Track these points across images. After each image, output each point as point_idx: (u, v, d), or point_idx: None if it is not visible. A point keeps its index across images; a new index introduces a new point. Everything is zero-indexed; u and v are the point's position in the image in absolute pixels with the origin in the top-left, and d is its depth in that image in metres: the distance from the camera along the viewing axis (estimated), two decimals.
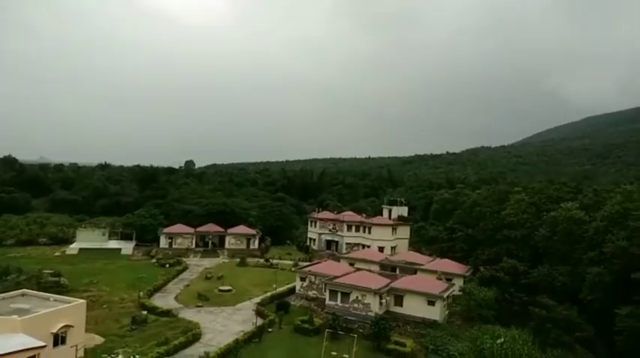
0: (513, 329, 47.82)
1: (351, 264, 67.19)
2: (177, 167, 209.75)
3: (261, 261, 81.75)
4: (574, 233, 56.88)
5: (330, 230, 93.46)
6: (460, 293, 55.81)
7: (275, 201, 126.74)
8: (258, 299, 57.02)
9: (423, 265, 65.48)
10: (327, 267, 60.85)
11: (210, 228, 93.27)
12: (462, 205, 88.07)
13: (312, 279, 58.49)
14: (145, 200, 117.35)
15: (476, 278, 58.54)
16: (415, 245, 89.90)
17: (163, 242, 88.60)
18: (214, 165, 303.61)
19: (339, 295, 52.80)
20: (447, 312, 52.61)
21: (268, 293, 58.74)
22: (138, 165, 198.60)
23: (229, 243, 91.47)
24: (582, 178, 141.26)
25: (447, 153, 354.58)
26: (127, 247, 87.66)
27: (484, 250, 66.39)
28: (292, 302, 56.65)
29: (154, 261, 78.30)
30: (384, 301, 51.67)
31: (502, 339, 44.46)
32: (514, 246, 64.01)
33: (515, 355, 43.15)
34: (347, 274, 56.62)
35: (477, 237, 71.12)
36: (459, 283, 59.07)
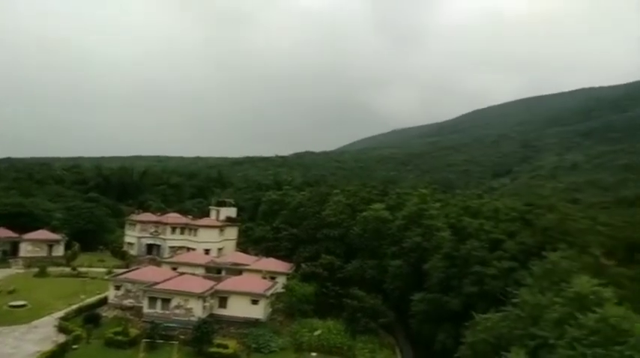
0: (329, 320, 51.78)
1: (174, 269, 63.88)
2: None
3: (67, 269, 72.12)
4: (381, 230, 64.09)
5: (151, 233, 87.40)
6: (283, 290, 57.90)
7: (86, 201, 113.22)
8: (61, 314, 50.09)
9: (248, 265, 65.96)
10: (146, 273, 56.74)
11: (0, 232, 78.53)
12: (287, 206, 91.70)
13: (129, 287, 53.84)
14: None
15: (298, 275, 61.43)
16: (242, 245, 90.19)
17: None
18: (8, 159, 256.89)
19: (158, 302, 49.71)
20: (270, 310, 53.96)
21: (74, 306, 52.08)
22: None
23: (25, 250, 78.26)
24: (388, 182, 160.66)
25: (276, 156, 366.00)
26: None
27: (306, 248, 70.25)
28: (104, 314, 51.36)
29: None
30: (207, 304, 50.44)
31: (319, 331, 47.70)
32: (332, 244, 69.23)
33: (330, 344, 46.74)
34: (169, 279, 53.64)
35: (301, 235, 74.91)
36: (282, 281, 61.15)
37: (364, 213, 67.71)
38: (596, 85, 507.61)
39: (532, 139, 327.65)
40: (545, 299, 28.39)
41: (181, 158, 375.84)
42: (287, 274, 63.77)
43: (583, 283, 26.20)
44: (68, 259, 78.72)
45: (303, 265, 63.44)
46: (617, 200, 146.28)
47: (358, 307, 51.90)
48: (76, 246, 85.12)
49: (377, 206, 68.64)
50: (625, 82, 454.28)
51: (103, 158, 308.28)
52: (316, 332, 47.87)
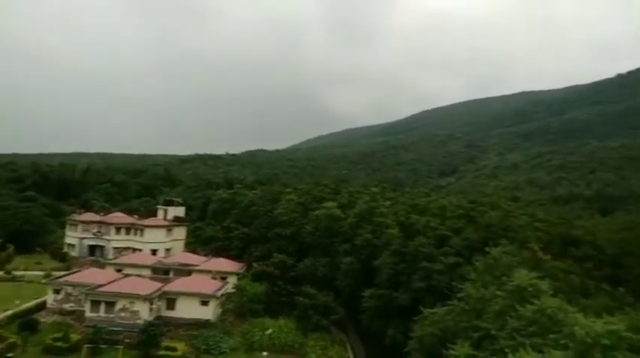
0: (281, 319, 51.62)
1: (119, 270, 61.55)
2: None
3: (0, 273, 67.56)
4: (332, 228, 64.63)
5: (94, 234, 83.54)
6: (234, 290, 57.16)
7: (22, 201, 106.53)
8: None
9: (198, 266, 64.62)
10: (88, 276, 54.26)
11: None
12: (239, 205, 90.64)
13: (70, 290, 51.35)
14: None
15: (249, 275, 60.84)
16: (191, 246, 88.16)
17: None
18: None
19: (102, 305, 47.77)
20: (220, 311, 53.12)
21: (9, 312, 48.82)
22: None
23: None
24: (340, 181, 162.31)
25: (227, 154, 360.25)
26: None
27: (257, 247, 69.70)
28: (42, 319, 48.55)
29: None
30: (154, 306, 48.98)
31: (270, 330, 47.46)
32: (284, 242, 69.09)
33: (281, 343, 46.65)
34: (113, 281, 51.63)
35: (252, 235, 74.25)
36: (233, 281, 60.38)
37: (316, 212, 68.03)
38: (536, 89, 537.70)
39: (476, 140, 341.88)
40: (488, 293, 29.69)
41: (126, 155, 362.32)
42: (238, 274, 62.99)
43: (522, 276, 27.61)
44: (2, 262, 73.66)
45: (254, 264, 62.86)
46: (553, 197, 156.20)
47: (310, 305, 52.08)
48: (11, 248, 79.96)
49: (329, 204, 69.16)
50: (561, 87, 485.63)
51: (42, 154, 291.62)
52: (267, 332, 47.60)
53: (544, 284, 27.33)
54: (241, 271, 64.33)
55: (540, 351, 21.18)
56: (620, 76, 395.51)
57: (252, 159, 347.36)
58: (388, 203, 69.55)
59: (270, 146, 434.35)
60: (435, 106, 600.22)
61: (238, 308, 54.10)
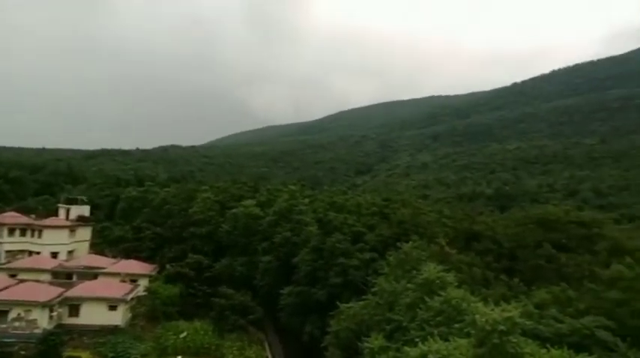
0: (196, 321, 50.18)
1: (13, 276, 55.89)
2: None
3: None
4: (251, 227, 63.96)
5: None
6: (146, 293, 54.44)
7: None
8: None
9: (105, 268, 60.61)
10: None
11: None
12: (151, 203, 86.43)
13: None
14: None
15: (162, 277, 58.30)
16: (98, 247, 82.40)
17: None
18: None
19: None
20: (130, 315, 50.36)
21: None
22: None
23: None
24: (259, 179, 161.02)
25: (138, 149, 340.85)
26: None
27: (171, 248, 66.99)
28: None
29: None
30: (55, 314, 45.16)
31: (185, 333, 45.97)
32: (200, 242, 67.09)
33: (196, 345, 45.38)
34: (6, 288, 46.76)
35: (165, 234, 71.21)
36: (144, 283, 57.52)
37: (234, 210, 66.93)
38: (443, 94, 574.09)
39: (389, 140, 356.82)
40: (400, 286, 31.16)
41: (23, 149, 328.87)
42: (150, 276, 60.17)
43: (430, 270, 29.31)
44: None
45: (167, 266, 60.36)
46: (459, 195, 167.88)
47: (227, 305, 51.14)
48: None
49: (248, 202, 68.36)
50: (466, 92, 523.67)
51: None
52: (182, 335, 46.00)
53: (450, 277, 29.23)
54: (153, 273, 61.52)
55: (447, 340, 22.64)
56: (515, 85, 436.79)
57: (165, 155, 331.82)
58: (307, 201, 70.14)
59: (184, 142, 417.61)
60: (350, 107, 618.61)
61: (150, 312, 51.70)
